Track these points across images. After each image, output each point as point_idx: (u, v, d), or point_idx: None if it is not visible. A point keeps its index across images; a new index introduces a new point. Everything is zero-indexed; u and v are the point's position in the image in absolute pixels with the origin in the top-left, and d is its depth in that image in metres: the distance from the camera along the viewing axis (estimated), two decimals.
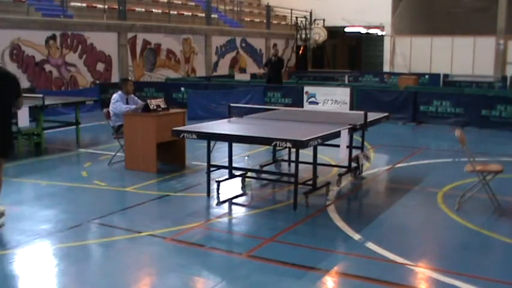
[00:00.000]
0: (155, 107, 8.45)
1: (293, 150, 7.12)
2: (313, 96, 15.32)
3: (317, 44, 27.91)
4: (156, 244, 5.55)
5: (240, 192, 7.39)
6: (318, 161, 7.24)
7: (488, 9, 26.32)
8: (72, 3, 17.87)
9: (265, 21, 27.70)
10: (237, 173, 7.64)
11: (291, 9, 28.36)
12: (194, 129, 7.01)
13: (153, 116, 8.32)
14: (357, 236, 5.68)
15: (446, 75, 24.54)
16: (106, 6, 18.58)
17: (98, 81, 17.49)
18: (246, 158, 9.31)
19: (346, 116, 8.39)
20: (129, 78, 17.57)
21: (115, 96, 9.02)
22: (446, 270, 4.83)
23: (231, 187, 7.44)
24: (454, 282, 4.58)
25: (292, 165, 7.61)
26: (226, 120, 7.90)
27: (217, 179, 7.33)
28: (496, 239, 5.69)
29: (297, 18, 28.29)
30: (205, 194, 7.11)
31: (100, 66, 17.79)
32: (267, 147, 8.80)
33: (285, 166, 8.70)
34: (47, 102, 10.22)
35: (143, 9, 20.57)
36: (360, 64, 32.38)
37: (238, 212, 6.70)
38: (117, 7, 18.79)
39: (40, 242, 5.54)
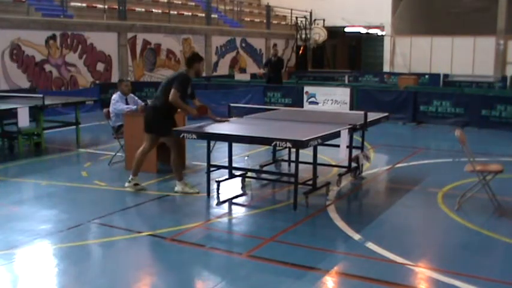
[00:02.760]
0: None
1: (293, 150, 7.11)
2: (313, 96, 15.32)
3: (317, 44, 27.90)
4: (156, 244, 5.55)
5: (240, 192, 7.39)
6: (318, 161, 7.24)
7: (488, 9, 26.29)
8: (72, 3, 17.86)
9: (265, 21, 27.69)
10: (237, 173, 7.64)
11: (291, 9, 28.35)
12: (194, 129, 7.01)
13: None
14: (357, 236, 5.68)
15: (446, 75, 24.51)
16: (106, 6, 18.58)
17: (98, 81, 17.48)
18: (246, 158, 9.31)
19: (346, 116, 8.39)
20: (129, 78, 17.58)
21: (115, 96, 9.03)
22: (446, 270, 4.83)
23: (231, 187, 7.44)
24: (454, 282, 4.58)
25: (292, 165, 7.60)
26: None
27: (217, 179, 7.33)
28: (496, 239, 5.69)
29: (297, 18, 28.27)
30: (205, 194, 7.11)
31: (100, 66, 17.79)
32: (267, 147, 8.80)
33: (285, 166, 8.69)
34: (47, 102, 10.23)
35: (143, 9, 20.57)
36: (360, 64, 32.35)
37: (238, 212, 6.70)
38: (117, 7, 18.78)
39: (40, 242, 5.54)
